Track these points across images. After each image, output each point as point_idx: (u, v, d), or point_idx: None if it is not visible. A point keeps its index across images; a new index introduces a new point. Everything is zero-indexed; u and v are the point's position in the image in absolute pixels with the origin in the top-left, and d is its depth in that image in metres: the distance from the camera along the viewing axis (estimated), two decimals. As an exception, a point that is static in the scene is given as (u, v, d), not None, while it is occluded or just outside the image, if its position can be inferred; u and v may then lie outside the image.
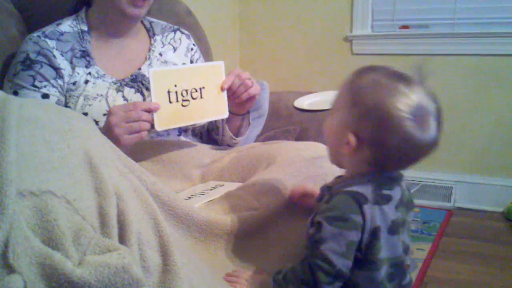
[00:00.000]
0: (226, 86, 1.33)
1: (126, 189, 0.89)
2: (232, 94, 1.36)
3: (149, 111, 1.21)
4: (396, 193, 0.93)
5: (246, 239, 1.10)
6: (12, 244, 0.69)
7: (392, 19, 2.69)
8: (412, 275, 1.86)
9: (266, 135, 1.85)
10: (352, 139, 0.90)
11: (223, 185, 1.32)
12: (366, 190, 0.91)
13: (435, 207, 2.62)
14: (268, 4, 2.89)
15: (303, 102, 1.98)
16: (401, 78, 0.90)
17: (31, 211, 0.73)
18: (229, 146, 1.55)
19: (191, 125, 1.51)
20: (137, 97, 1.40)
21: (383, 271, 0.91)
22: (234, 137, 1.51)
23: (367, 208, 0.89)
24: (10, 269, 0.68)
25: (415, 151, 0.89)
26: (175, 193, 1.06)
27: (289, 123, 1.87)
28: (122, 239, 0.82)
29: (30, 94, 1.31)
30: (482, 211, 2.59)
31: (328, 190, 0.99)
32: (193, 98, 1.29)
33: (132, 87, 1.41)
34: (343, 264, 0.89)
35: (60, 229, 0.73)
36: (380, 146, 0.89)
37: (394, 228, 0.92)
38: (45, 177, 0.77)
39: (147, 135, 1.23)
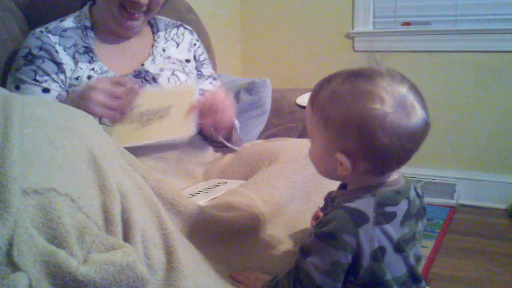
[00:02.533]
0: (196, 104, 1.32)
1: (129, 187, 0.89)
2: (205, 113, 1.34)
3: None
4: (401, 208, 0.87)
5: (249, 237, 1.10)
6: (17, 242, 0.69)
7: (394, 16, 2.68)
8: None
9: (268, 133, 1.85)
10: (343, 159, 0.83)
11: (225, 182, 1.32)
12: (367, 207, 0.84)
13: (438, 204, 2.61)
14: (269, 1, 2.89)
15: (306, 100, 1.97)
16: (359, 76, 0.82)
17: (35, 209, 0.73)
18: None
19: (151, 144, 1.41)
20: None
21: None
22: (226, 144, 1.50)
23: (363, 230, 0.82)
24: (15, 267, 0.68)
25: (411, 140, 0.81)
26: (178, 191, 1.06)
27: (292, 121, 1.87)
28: (126, 237, 0.83)
29: (31, 89, 1.31)
30: (485, 208, 2.58)
31: (332, 201, 0.93)
32: (159, 117, 1.28)
33: None
34: (325, 282, 0.83)
35: (64, 227, 0.73)
36: (375, 152, 0.81)
37: (400, 246, 0.86)
38: (49, 175, 0.77)
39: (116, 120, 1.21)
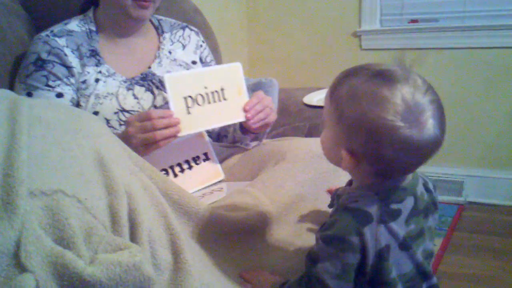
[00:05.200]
0: (248, 108, 1.32)
1: (136, 188, 0.89)
2: (251, 118, 1.33)
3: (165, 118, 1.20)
4: (406, 205, 0.86)
5: (256, 236, 1.11)
6: (24, 243, 0.69)
7: (401, 13, 2.67)
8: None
9: (275, 132, 1.85)
10: (346, 156, 0.83)
11: (221, 188, 1.33)
12: (371, 206, 0.84)
13: (446, 202, 2.61)
14: (275, 1, 2.89)
15: (312, 98, 1.97)
16: (381, 79, 0.80)
17: (43, 210, 0.73)
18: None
19: (212, 129, 1.50)
20: (147, 96, 1.40)
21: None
22: (246, 147, 1.51)
23: (368, 229, 0.82)
24: (22, 268, 0.69)
25: (418, 154, 0.80)
26: (185, 191, 1.06)
27: (299, 120, 1.87)
28: (133, 237, 0.83)
29: (44, 94, 1.31)
30: (494, 205, 2.57)
31: (338, 198, 0.93)
32: (214, 101, 1.29)
33: (142, 85, 1.41)
34: (338, 285, 0.83)
35: (71, 228, 0.73)
36: (378, 159, 0.81)
37: (407, 243, 0.86)
38: (56, 177, 0.77)
39: (170, 140, 1.21)
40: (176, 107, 1.23)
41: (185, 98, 1.24)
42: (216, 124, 1.32)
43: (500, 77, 2.52)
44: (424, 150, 0.80)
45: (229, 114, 1.32)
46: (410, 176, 0.89)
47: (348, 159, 0.83)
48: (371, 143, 0.79)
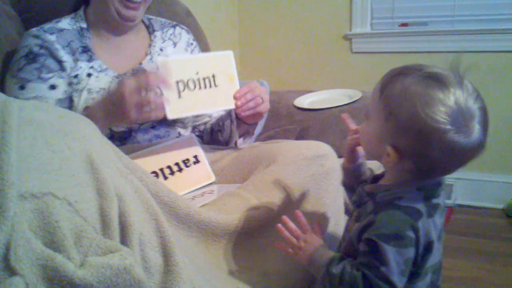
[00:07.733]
0: (238, 96, 1.32)
1: (127, 190, 0.89)
2: (241, 105, 1.33)
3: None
4: (442, 199, 0.90)
5: (247, 239, 1.11)
6: (14, 246, 0.69)
7: (392, 17, 2.68)
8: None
9: (266, 135, 1.85)
10: (391, 152, 0.85)
11: (212, 191, 1.32)
12: (418, 203, 0.86)
13: (436, 205, 2.62)
14: (267, 3, 2.89)
15: (303, 101, 1.98)
16: (435, 81, 0.82)
17: (33, 213, 0.73)
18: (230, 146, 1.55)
19: (202, 114, 1.52)
20: None
21: (428, 279, 0.88)
22: (236, 143, 1.51)
23: (421, 224, 0.84)
24: (12, 272, 0.68)
25: (461, 157, 0.83)
26: (176, 193, 1.06)
27: (290, 123, 1.87)
28: (124, 240, 0.83)
29: (37, 87, 1.30)
30: (483, 208, 2.59)
31: (370, 196, 0.93)
32: (205, 87, 1.29)
33: None
34: (402, 281, 0.84)
35: (61, 231, 0.73)
36: (423, 158, 0.83)
37: (441, 235, 0.90)
38: (46, 179, 0.77)
39: (161, 112, 1.21)
40: (168, 90, 1.23)
41: (177, 82, 1.25)
42: (205, 109, 1.33)
43: (489, 81, 2.53)
44: (468, 154, 0.83)
45: (219, 100, 1.32)
46: None
47: (392, 155, 0.85)
48: (419, 143, 0.82)
